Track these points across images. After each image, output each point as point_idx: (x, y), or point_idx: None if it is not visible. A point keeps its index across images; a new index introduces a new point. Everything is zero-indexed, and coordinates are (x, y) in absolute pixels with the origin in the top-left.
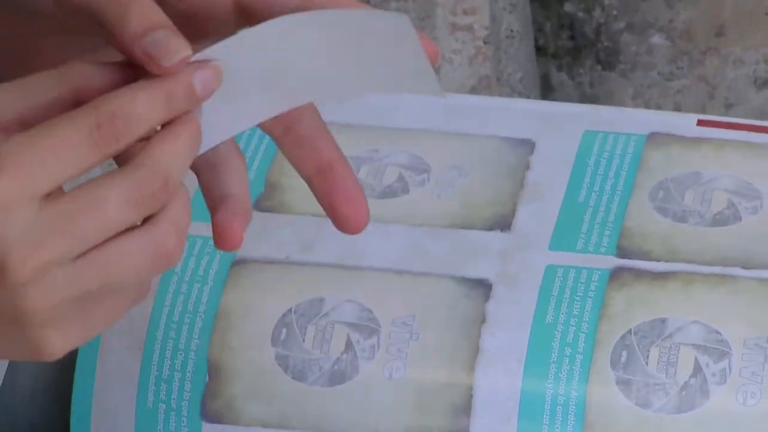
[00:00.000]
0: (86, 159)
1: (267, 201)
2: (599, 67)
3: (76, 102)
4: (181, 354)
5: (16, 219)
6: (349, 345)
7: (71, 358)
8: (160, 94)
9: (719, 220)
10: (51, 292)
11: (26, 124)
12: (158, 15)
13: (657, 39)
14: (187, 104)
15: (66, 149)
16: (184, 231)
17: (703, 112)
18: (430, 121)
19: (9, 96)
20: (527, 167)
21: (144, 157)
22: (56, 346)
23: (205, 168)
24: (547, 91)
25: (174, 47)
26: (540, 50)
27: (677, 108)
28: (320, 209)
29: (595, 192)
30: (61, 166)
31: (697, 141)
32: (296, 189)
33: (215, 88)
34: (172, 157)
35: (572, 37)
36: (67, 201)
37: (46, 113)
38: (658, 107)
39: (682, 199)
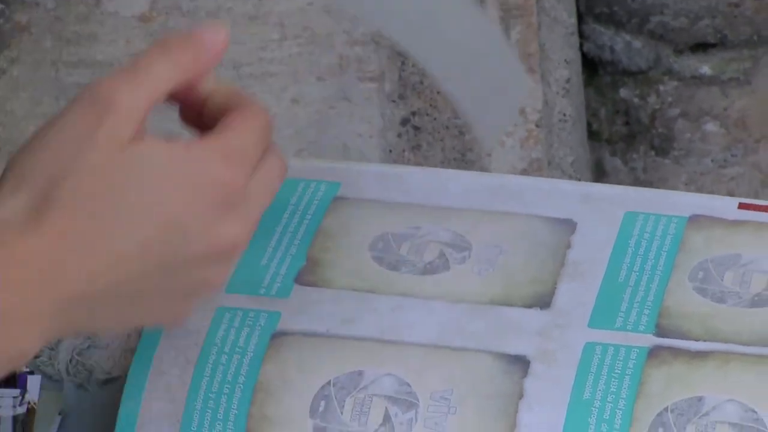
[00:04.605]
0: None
1: (308, 275)
2: (653, 153)
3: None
4: (219, 424)
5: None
6: (387, 418)
7: (110, 426)
8: None
9: (758, 302)
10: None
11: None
12: None
13: (711, 126)
14: None
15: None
16: None
17: (757, 199)
18: (472, 200)
19: (139, 95)
20: (568, 246)
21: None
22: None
23: None
24: (599, 176)
25: None
26: (594, 135)
27: (730, 195)
28: (362, 284)
29: (635, 272)
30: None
31: (738, 224)
32: (337, 264)
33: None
34: None
35: (627, 123)
36: (263, 168)
37: (169, 91)
38: (712, 194)
39: (722, 280)
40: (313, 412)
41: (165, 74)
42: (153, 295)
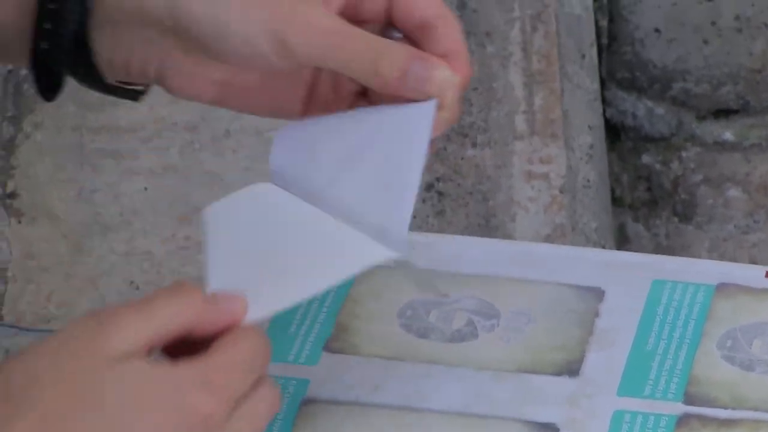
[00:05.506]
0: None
1: (336, 343)
2: (676, 219)
3: (193, 330)
4: None
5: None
6: None
7: None
8: None
9: None
10: None
11: (152, 347)
12: (405, 51)
13: (734, 192)
14: None
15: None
16: None
17: None
18: (498, 268)
19: (140, 325)
20: (596, 314)
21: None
22: None
23: (414, 30)
24: (622, 241)
25: (431, 64)
26: (617, 201)
27: (753, 261)
28: (389, 351)
29: (663, 340)
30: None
31: (766, 292)
32: (365, 331)
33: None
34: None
35: (649, 189)
36: (251, 399)
37: (168, 339)
38: (734, 260)
39: (750, 348)
40: None
41: (168, 316)
42: None
